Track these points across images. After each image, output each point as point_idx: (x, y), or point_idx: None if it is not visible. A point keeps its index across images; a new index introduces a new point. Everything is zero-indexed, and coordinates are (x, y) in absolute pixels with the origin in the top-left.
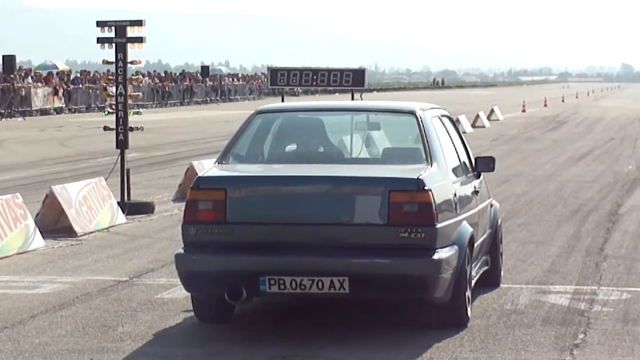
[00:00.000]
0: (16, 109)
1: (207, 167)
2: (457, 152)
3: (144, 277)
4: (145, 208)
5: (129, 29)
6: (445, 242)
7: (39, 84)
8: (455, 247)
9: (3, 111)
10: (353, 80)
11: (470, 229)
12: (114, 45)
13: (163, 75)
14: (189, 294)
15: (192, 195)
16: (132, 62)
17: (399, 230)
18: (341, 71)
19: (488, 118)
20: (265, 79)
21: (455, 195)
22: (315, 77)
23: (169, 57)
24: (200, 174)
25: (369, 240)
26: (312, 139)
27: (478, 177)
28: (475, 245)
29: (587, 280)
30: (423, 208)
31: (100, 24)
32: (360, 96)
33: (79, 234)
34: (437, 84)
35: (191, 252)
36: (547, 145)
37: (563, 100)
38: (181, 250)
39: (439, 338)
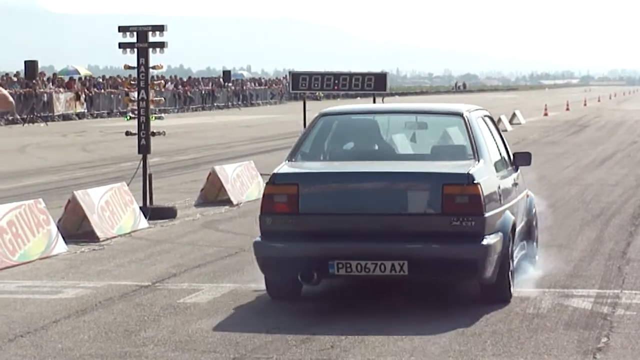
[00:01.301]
0: (38, 115)
1: (280, 165)
2: (498, 148)
3: (167, 282)
4: (167, 213)
5: (150, 33)
6: (491, 229)
7: (61, 90)
8: (500, 234)
9: (25, 117)
10: (375, 84)
11: (512, 217)
12: (135, 50)
13: (185, 80)
14: (211, 299)
15: (269, 190)
16: (153, 67)
17: (451, 219)
18: (363, 75)
19: (510, 122)
20: (287, 84)
21: (499, 187)
22: (337, 82)
23: (190, 61)
24: (275, 171)
25: (425, 228)
26: (368, 138)
27: (516, 170)
28: (516, 231)
29: (609, 284)
30: (473, 199)
31: (122, 29)
32: (382, 100)
33: (101, 239)
34: (458, 88)
35: (268, 240)
36: (569, 148)
37: (585, 104)
38: (258, 239)
39: (462, 342)
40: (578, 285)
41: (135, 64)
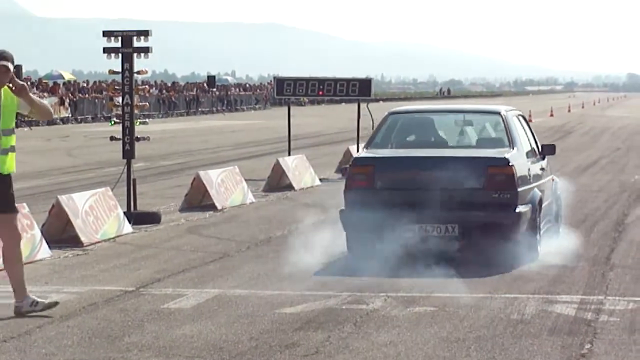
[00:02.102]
0: (22, 119)
1: (360, 151)
2: (529, 141)
3: (151, 287)
4: (151, 218)
5: (135, 39)
6: (523, 201)
7: (45, 94)
8: (530, 205)
9: None
10: (359, 90)
11: (539, 194)
12: (120, 55)
13: (169, 85)
14: (196, 304)
15: (352, 170)
16: (138, 72)
17: (492, 193)
18: (347, 81)
19: None
20: (272, 89)
21: (529, 170)
22: (321, 87)
23: (175, 66)
24: (355, 156)
25: (472, 199)
26: (426, 132)
27: (543, 158)
28: (543, 206)
29: (593, 290)
30: (509, 178)
31: (107, 34)
32: (367, 106)
33: (85, 244)
34: (443, 94)
35: (351, 209)
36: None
37: (569, 110)
38: (344, 208)
39: (446, 348)
40: (562, 291)
41: (119, 69)
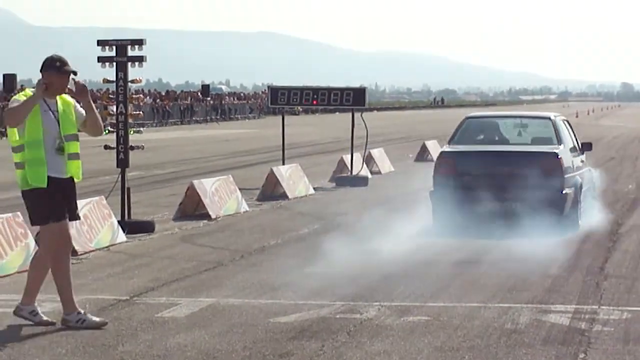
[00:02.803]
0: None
1: (443, 146)
2: (571, 139)
3: (145, 296)
4: (145, 227)
5: (129, 47)
6: (568, 185)
7: None
8: (573, 188)
9: (4, 130)
10: (353, 99)
11: (580, 180)
12: (114, 64)
13: (164, 94)
14: (189, 313)
15: (438, 161)
16: (132, 81)
17: (545, 179)
18: (341, 90)
19: None
20: (266, 98)
21: (572, 162)
22: (315, 96)
23: (169, 75)
24: (441, 150)
25: (529, 183)
26: (492, 132)
27: (582, 153)
28: (583, 190)
29: (587, 300)
30: (557, 167)
31: (101, 42)
32: (361, 116)
33: (79, 253)
34: (437, 103)
35: (438, 190)
36: None
37: None
38: (433, 189)
39: (440, 357)
40: (556, 301)
41: (114, 78)
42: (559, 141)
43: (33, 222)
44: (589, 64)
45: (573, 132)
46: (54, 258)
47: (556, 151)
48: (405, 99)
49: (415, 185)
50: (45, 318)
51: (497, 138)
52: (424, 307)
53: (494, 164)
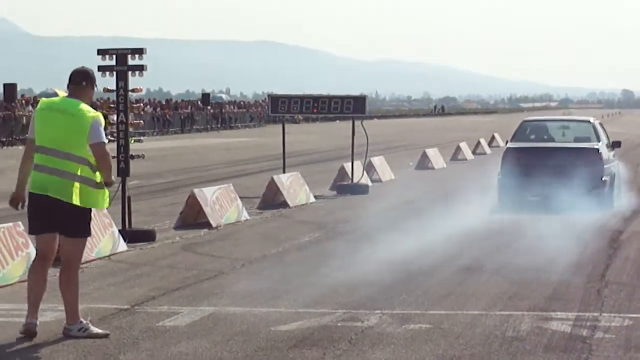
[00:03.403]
0: (17, 137)
1: (508, 143)
2: (606, 138)
3: (146, 305)
4: (146, 236)
5: (129, 57)
6: (606, 174)
7: None
8: (609, 176)
9: (4, 139)
10: (354, 107)
11: (614, 170)
12: (115, 73)
13: (164, 103)
14: (191, 322)
15: (505, 154)
16: (133, 90)
17: (588, 168)
18: (342, 98)
19: (489, 145)
20: (266, 107)
21: (607, 156)
22: (316, 105)
23: (169, 84)
24: (507, 146)
25: (575, 172)
26: (542, 133)
27: (613, 149)
28: (615, 178)
29: (589, 307)
30: (598, 159)
31: (102, 52)
32: (362, 124)
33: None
34: (437, 111)
35: (504, 177)
36: None
37: None
38: (500, 176)
39: None
40: (557, 308)
41: (114, 87)
42: (598, 139)
43: None
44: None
45: (605, 133)
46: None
47: (597, 147)
48: (406, 107)
49: (416, 193)
50: (97, 330)
51: (545, 137)
52: (425, 315)
53: (548, 157)
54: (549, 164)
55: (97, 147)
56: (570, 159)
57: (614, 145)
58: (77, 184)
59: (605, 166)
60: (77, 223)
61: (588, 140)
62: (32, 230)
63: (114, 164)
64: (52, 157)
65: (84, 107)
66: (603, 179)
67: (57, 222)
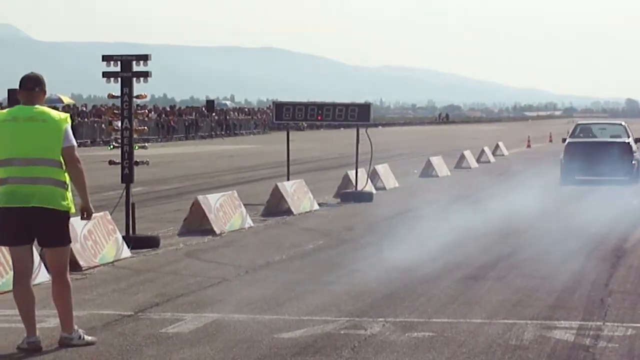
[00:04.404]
0: None
1: (569, 139)
2: (632, 135)
3: (149, 311)
4: (150, 242)
5: (134, 63)
6: (634, 159)
7: None
8: (636, 162)
9: None
10: (358, 115)
11: (638, 157)
12: (119, 79)
13: (168, 109)
14: (194, 328)
15: (567, 146)
16: (137, 96)
17: (622, 156)
18: (346, 106)
19: (493, 153)
20: (271, 114)
21: (635, 147)
22: (320, 112)
23: (174, 91)
24: (567, 141)
25: (614, 158)
26: (589, 132)
27: (636, 143)
28: (639, 162)
29: (592, 316)
30: (629, 149)
31: (106, 58)
32: (366, 131)
33: (84, 268)
34: (442, 119)
35: (566, 162)
36: (553, 180)
37: None
38: (562, 159)
39: None
40: (561, 317)
41: (119, 93)
42: (628, 136)
43: None
44: (594, 80)
45: (631, 132)
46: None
47: (628, 141)
48: (410, 115)
49: (420, 201)
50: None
51: (591, 135)
52: (428, 323)
53: (595, 148)
54: (595, 153)
55: (69, 150)
56: (610, 149)
57: (637, 140)
58: (60, 189)
59: (634, 154)
60: (61, 231)
61: (620, 137)
62: (5, 242)
63: (118, 169)
64: (29, 167)
65: (51, 111)
66: (632, 162)
67: (38, 234)
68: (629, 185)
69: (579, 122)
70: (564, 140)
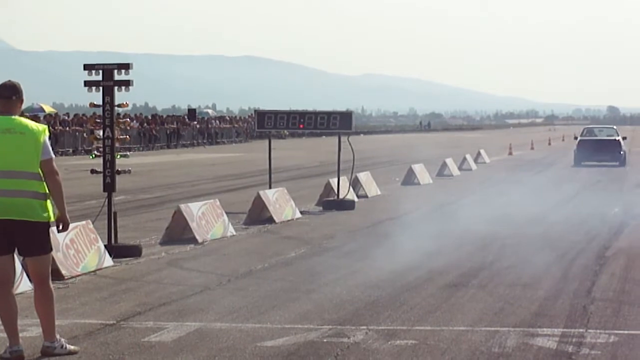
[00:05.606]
0: None
1: (579, 137)
2: (621, 134)
3: (131, 320)
4: (132, 251)
5: (116, 72)
6: (622, 150)
7: None
8: (624, 153)
9: None
10: (340, 123)
11: (625, 149)
12: (101, 88)
13: (150, 118)
14: (176, 337)
15: (578, 143)
16: (119, 105)
17: (615, 149)
18: (328, 114)
19: (475, 161)
20: (253, 122)
21: (623, 142)
22: (302, 120)
23: (155, 99)
24: (578, 139)
25: (610, 150)
26: (591, 134)
27: (623, 140)
28: (625, 153)
29: (574, 323)
30: (619, 144)
31: (88, 67)
32: (348, 139)
33: (66, 277)
34: (423, 127)
35: (578, 152)
36: (534, 188)
37: (549, 143)
38: (575, 152)
39: None
40: (543, 324)
41: (100, 102)
42: (618, 135)
43: None
44: (576, 87)
45: (620, 133)
46: None
47: (618, 139)
48: (392, 123)
49: (402, 209)
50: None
51: (594, 134)
52: (411, 330)
53: (597, 144)
54: (597, 146)
55: (47, 162)
56: (607, 144)
57: (624, 138)
58: (39, 201)
59: (622, 147)
60: (42, 241)
61: (613, 135)
62: None
63: (100, 178)
64: (8, 180)
65: (29, 122)
66: (621, 152)
67: (18, 245)
68: (620, 166)
69: (586, 126)
70: (575, 137)
